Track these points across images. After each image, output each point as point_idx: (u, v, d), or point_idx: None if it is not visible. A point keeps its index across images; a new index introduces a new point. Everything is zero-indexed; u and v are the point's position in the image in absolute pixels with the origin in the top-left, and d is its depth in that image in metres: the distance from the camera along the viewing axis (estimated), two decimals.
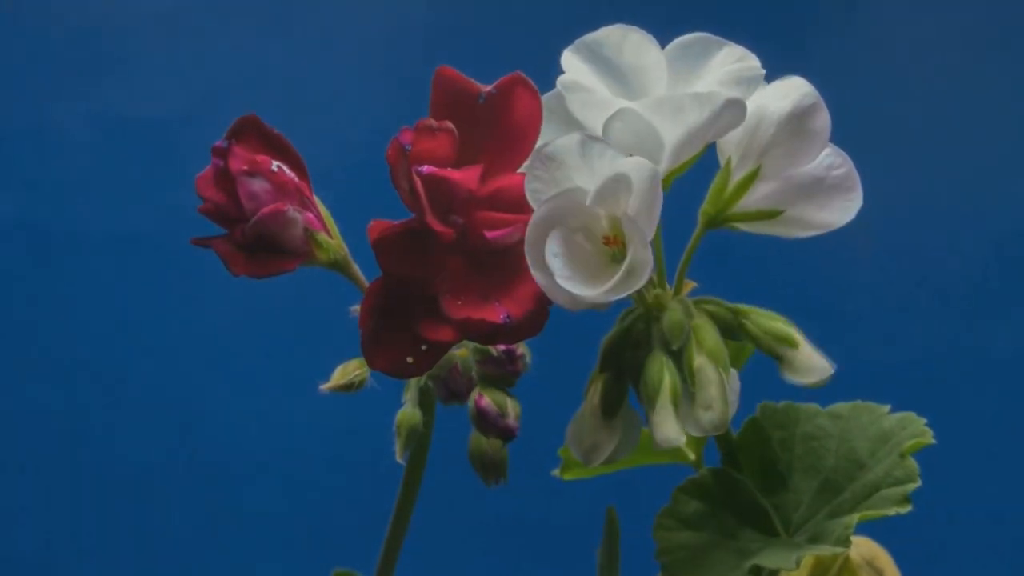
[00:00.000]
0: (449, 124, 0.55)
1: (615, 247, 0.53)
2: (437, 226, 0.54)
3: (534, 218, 0.52)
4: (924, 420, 0.60)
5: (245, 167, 0.58)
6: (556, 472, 0.72)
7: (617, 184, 0.52)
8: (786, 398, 0.63)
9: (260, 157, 0.58)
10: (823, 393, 0.65)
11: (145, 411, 1.36)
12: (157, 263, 1.37)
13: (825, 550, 0.56)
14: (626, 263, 0.52)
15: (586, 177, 0.52)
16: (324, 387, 0.60)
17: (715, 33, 0.56)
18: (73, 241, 1.38)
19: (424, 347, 0.54)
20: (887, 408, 0.62)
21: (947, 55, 1.41)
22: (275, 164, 0.58)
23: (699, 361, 0.55)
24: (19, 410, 1.37)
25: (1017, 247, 1.36)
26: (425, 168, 0.54)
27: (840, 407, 0.63)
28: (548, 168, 0.53)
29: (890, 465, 0.58)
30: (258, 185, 0.57)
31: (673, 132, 0.53)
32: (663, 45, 0.56)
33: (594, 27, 0.57)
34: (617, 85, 0.55)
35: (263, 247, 0.57)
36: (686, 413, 0.55)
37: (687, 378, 0.55)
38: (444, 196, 0.54)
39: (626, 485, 0.74)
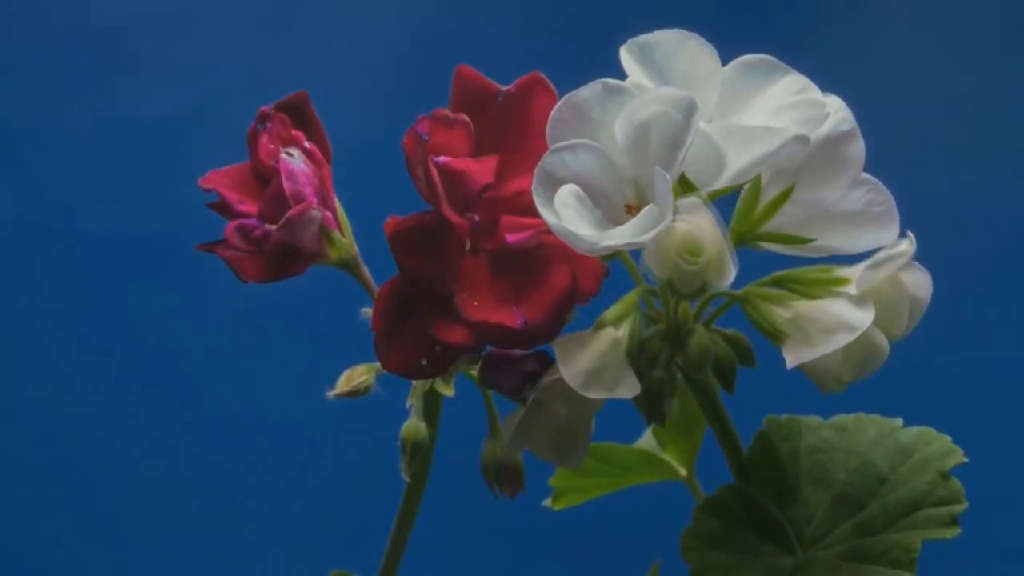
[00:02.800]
0: (465, 117, 0.55)
1: (636, 214, 0.52)
2: (453, 216, 0.54)
3: (545, 161, 0.51)
4: (948, 437, 0.59)
5: (281, 143, 0.57)
6: (547, 503, 0.72)
7: (645, 132, 0.51)
8: (787, 410, 0.63)
9: (295, 132, 0.58)
10: (821, 402, 0.64)
11: (145, 411, 1.36)
12: (158, 263, 1.36)
13: (888, 573, 0.56)
14: (648, 208, 0.50)
15: (607, 131, 0.52)
16: (331, 394, 0.60)
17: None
18: (73, 241, 1.38)
19: (438, 349, 0.54)
20: (899, 422, 0.61)
21: (946, 55, 1.40)
22: (307, 143, 0.58)
23: (791, 312, 0.53)
24: (18, 409, 1.36)
25: (1018, 248, 1.36)
26: (442, 158, 0.54)
27: (843, 419, 0.62)
28: (574, 114, 0.52)
29: (930, 484, 0.58)
30: (296, 164, 0.57)
31: (738, 160, 0.52)
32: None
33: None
34: None
35: (279, 251, 0.57)
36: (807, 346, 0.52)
37: (777, 332, 0.53)
38: (460, 188, 0.54)
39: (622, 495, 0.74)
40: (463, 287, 0.54)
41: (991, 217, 1.37)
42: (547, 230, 0.53)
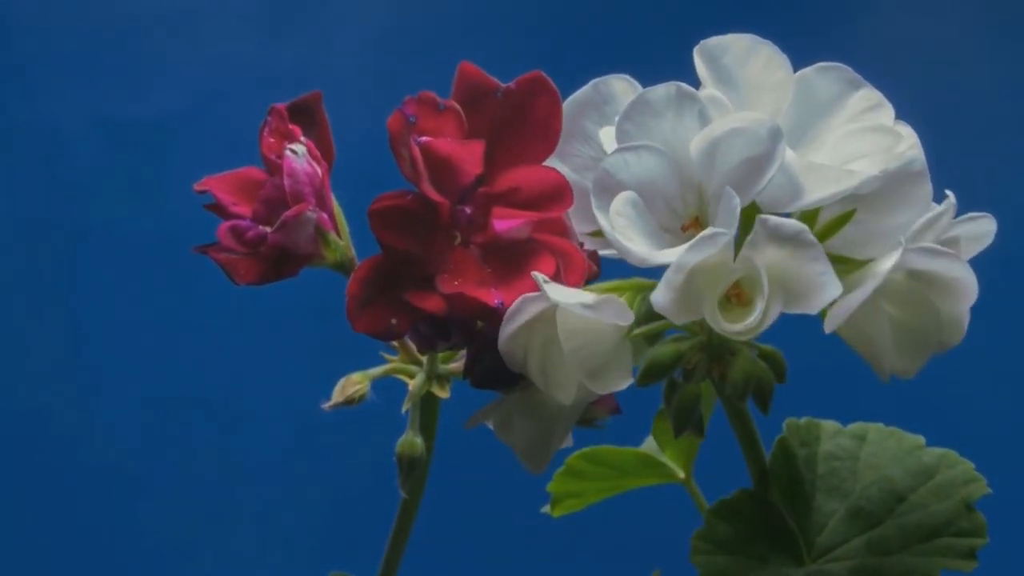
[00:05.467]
0: (455, 104, 0.54)
1: (694, 231, 0.50)
2: (434, 195, 0.53)
3: (607, 162, 0.50)
4: (971, 463, 0.58)
5: (280, 137, 0.57)
6: (545, 509, 0.71)
7: (723, 147, 0.50)
8: (806, 414, 0.62)
9: (292, 127, 0.58)
10: (832, 408, 0.64)
11: (144, 411, 1.36)
12: (157, 263, 1.36)
13: None
14: (708, 230, 0.48)
15: (677, 135, 0.51)
16: (326, 405, 0.59)
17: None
18: (73, 241, 1.38)
19: (408, 310, 0.53)
20: (921, 439, 0.60)
21: (946, 55, 1.40)
22: (303, 138, 0.58)
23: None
24: (19, 409, 1.36)
25: (1018, 248, 1.36)
26: (424, 138, 0.53)
27: (863, 427, 0.61)
28: (644, 114, 0.51)
29: (953, 512, 0.57)
30: (299, 163, 0.56)
31: (814, 194, 0.51)
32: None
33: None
34: (729, 96, 0.52)
35: (274, 253, 0.56)
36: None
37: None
38: (452, 177, 0.54)
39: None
40: (447, 271, 0.53)
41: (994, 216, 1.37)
42: (538, 223, 0.53)
